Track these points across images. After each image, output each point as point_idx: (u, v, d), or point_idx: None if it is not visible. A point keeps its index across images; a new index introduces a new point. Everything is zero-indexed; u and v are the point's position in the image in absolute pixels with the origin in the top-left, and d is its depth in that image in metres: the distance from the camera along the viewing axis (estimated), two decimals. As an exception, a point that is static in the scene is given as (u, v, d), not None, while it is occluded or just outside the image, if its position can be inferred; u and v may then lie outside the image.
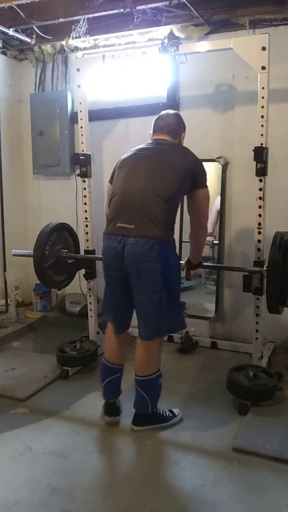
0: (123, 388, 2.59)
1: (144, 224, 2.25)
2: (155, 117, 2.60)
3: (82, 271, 3.45)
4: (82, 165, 3.35)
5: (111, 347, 2.54)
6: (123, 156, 2.52)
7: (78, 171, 3.47)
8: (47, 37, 3.76)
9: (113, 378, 2.50)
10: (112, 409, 2.53)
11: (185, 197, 2.50)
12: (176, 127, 2.53)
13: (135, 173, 2.36)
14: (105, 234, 2.40)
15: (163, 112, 2.60)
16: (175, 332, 2.47)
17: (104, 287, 2.51)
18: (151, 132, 2.57)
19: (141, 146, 2.51)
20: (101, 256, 2.46)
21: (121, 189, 2.38)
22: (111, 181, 2.57)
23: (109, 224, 2.38)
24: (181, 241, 3.68)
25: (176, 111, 2.65)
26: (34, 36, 3.76)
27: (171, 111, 2.62)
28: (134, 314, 2.46)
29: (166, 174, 2.32)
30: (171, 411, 2.55)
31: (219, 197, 3.63)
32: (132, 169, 2.39)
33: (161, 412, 2.50)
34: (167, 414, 2.52)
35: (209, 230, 3.64)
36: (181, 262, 2.82)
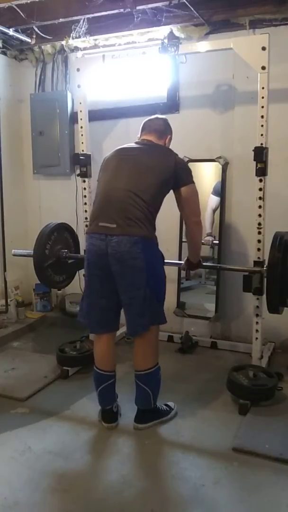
0: (120, 389, 2.59)
1: (126, 223, 2.27)
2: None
3: (82, 271, 3.43)
4: (82, 165, 3.35)
5: (99, 353, 2.51)
6: (107, 156, 2.55)
7: (78, 171, 3.47)
8: (47, 37, 3.76)
9: (106, 385, 2.48)
10: (109, 415, 2.50)
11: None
12: (163, 128, 2.56)
13: (117, 175, 2.39)
14: (88, 234, 2.41)
15: (153, 116, 2.63)
16: (156, 325, 2.46)
17: (84, 290, 2.50)
18: (139, 133, 2.59)
19: (125, 146, 2.52)
20: (85, 255, 2.47)
21: (103, 190, 2.41)
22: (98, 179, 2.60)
23: (91, 224, 2.40)
24: (181, 241, 3.68)
25: (164, 116, 2.66)
26: (34, 36, 3.76)
27: (160, 116, 2.65)
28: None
29: (147, 176, 2.35)
30: (167, 405, 2.59)
31: (212, 196, 3.64)
32: (114, 171, 2.42)
33: (160, 407, 2.54)
34: (165, 409, 2.56)
35: (208, 230, 3.66)
36: (181, 262, 2.82)
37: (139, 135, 2.59)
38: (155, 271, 2.36)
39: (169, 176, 2.38)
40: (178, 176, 2.40)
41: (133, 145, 2.52)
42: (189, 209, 2.46)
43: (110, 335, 2.51)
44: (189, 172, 2.46)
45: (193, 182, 2.44)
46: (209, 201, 3.64)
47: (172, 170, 2.39)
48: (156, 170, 2.37)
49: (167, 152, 2.49)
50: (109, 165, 2.48)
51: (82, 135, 3.35)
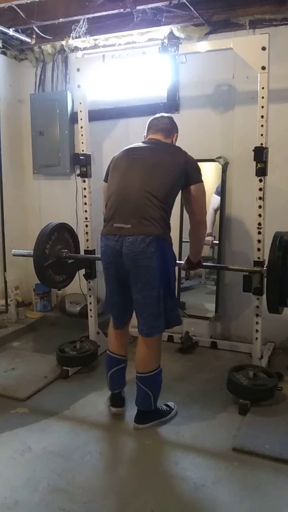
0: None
1: (141, 223, 2.28)
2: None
3: (82, 271, 3.45)
4: (82, 165, 3.35)
5: (114, 339, 2.62)
6: (116, 156, 2.56)
7: (78, 171, 3.47)
8: (47, 37, 3.76)
9: (117, 369, 2.58)
10: (117, 399, 2.60)
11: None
12: (169, 126, 2.58)
13: (130, 175, 2.40)
14: (103, 235, 2.43)
15: (157, 114, 2.65)
16: (171, 328, 2.50)
17: (105, 286, 2.57)
18: (145, 133, 2.61)
19: (134, 145, 2.53)
20: (100, 256, 2.50)
21: (117, 191, 2.41)
22: (106, 180, 2.61)
23: (106, 225, 2.42)
24: (181, 241, 3.68)
25: (169, 115, 2.69)
26: (34, 36, 3.76)
27: (165, 114, 2.66)
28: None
29: (160, 174, 2.36)
30: (167, 405, 2.60)
31: (215, 196, 3.64)
32: (126, 170, 2.43)
33: (160, 407, 2.55)
34: (165, 409, 2.57)
35: (208, 230, 3.65)
36: (181, 262, 2.83)
37: (145, 134, 2.60)
38: (168, 271, 2.38)
39: (180, 174, 2.39)
40: (188, 174, 2.41)
41: (141, 144, 2.53)
42: (196, 207, 2.47)
43: (124, 325, 2.64)
44: (198, 171, 2.47)
45: (202, 181, 2.46)
46: (211, 201, 3.63)
47: (183, 168, 2.40)
48: (167, 168, 2.38)
49: (177, 150, 2.51)
50: (119, 165, 2.49)
51: (82, 135, 3.35)
